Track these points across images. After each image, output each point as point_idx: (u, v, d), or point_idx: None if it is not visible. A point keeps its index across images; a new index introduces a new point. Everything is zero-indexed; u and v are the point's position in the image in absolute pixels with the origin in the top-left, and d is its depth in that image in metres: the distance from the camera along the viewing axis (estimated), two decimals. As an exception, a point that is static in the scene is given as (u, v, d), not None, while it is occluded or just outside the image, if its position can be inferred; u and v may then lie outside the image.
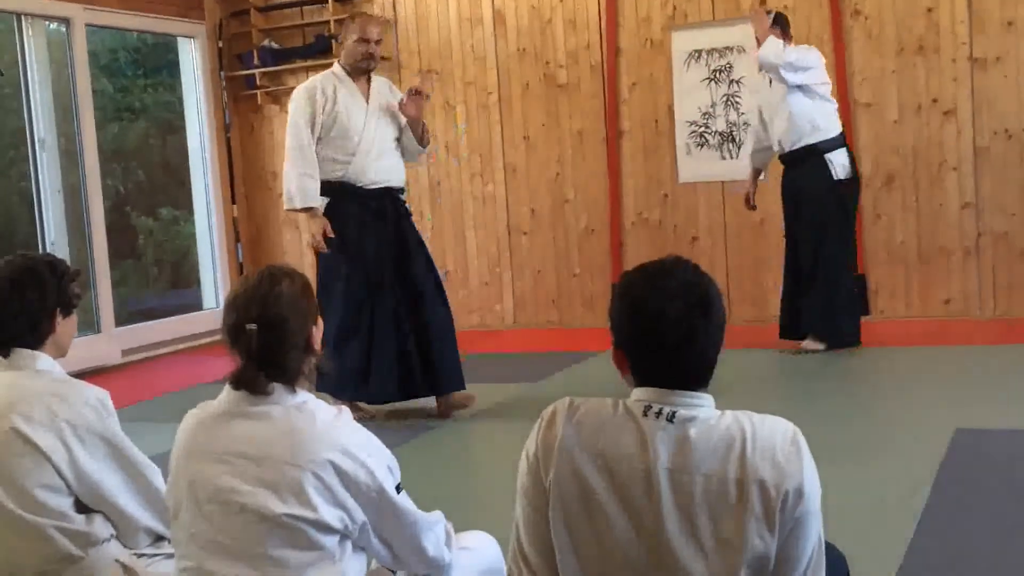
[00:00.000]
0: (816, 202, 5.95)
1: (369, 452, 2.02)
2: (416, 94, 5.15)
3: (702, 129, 7.29)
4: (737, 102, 7.18)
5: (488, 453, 4.49)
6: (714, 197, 7.30)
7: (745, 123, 7.18)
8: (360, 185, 5.11)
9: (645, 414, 1.79)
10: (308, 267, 8.31)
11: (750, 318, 7.19)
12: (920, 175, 6.82)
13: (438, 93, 7.83)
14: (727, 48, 7.16)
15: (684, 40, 7.28)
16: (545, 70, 7.66)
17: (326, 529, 1.96)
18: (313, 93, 5.09)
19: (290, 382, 2.05)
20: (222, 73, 8.43)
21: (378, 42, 5.19)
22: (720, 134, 7.24)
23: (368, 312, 5.08)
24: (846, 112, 6.87)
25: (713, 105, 7.25)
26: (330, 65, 8.01)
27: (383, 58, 7.91)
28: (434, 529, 2.14)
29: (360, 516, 2.00)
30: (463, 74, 7.83)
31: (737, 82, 7.17)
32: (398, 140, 5.27)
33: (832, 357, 5.87)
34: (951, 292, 6.79)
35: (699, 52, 7.25)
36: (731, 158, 7.24)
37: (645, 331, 1.79)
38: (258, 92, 8.39)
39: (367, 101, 5.16)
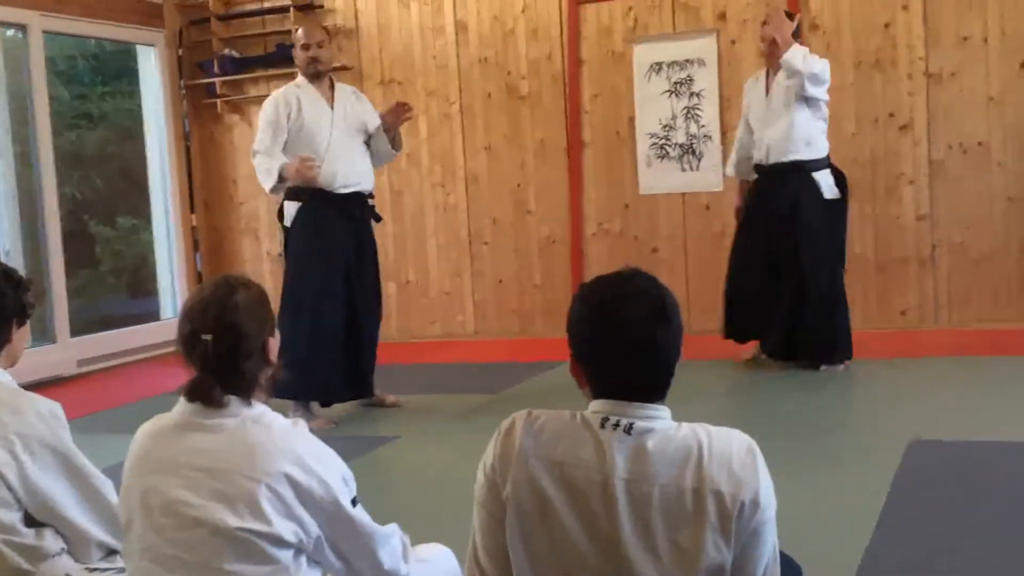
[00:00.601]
0: (810, 222, 5.71)
1: (324, 464, 2.01)
2: (402, 110, 5.33)
3: (663, 141, 7.33)
4: (698, 115, 7.23)
5: (446, 464, 4.48)
6: (675, 208, 7.34)
7: (706, 135, 7.23)
8: (330, 190, 5.21)
9: (603, 426, 1.80)
10: (267, 276, 8.28)
11: (710, 328, 7.20)
12: (877, 187, 6.89)
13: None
14: (688, 61, 7.21)
15: (645, 52, 7.32)
16: (507, 80, 7.68)
17: (281, 543, 1.94)
18: (278, 103, 5.26)
19: (246, 393, 2.03)
20: (182, 81, 8.38)
21: (320, 44, 5.31)
22: (680, 146, 7.28)
23: (333, 312, 5.21)
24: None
25: (674, 117, 7.30)
26: (293, 75, 8.02)
27: (343, 67, 7.94)
28: (390, 542, 2.12)
29: (315, 530, 1.99)
30: (425, 83, 7.83)
31: (697, 95, 7.22)
32: (366, 144, 5.38)
33: (790, 368, 5.92)
34: (907, 303, 6.86)
35: (660, 64, 7.30)
36: (691, 170, 7.28)
37: (605, 338, 1.80)
38: (218, 101, 8.35)
39: (331, 107, 5.29)
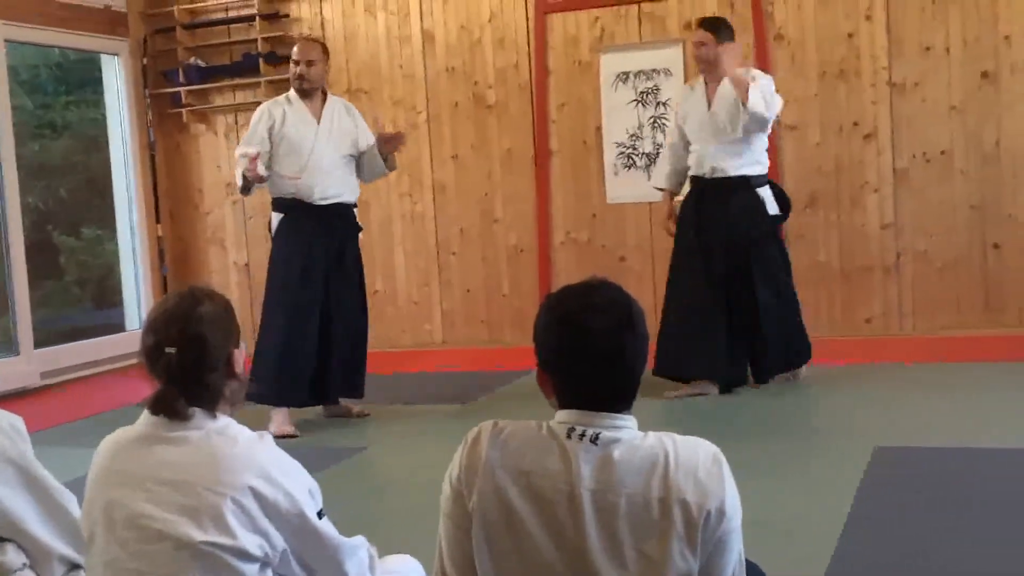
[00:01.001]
0: (760, 237, 5.61)
1: (290, 477, 1.99)
2: (396, 140, 5.45)
3: (630, 150, 7.35)
4: (664, 124, 7.25)
5: (413, 474, 4.47)
6: (642, 217, 7.37)
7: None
8: (310, 201, 5.32)
9: (569, 436, 1.80)
10: (234, 286, 8.24)
11: (677, 337, 7.24)
12: (842, 196, 6.95)
13: (366, 112, 7.80)
14: (654, 71, 7.24)
15: (612, 62, 7.35)
16: (474, 89, 7.68)
17: (245, 556, 1.93)
18: (262, 115, 5.39)
19: (211, 405, 2.02)
20: (147, 91, 8.32)
21: (309, 63, 5.37)
22: (647, 155, 7.31)
23: (310, 323, 5.29)
24: (770, 134, 6.97)
25: (640, 127, 7.32)
26: (257, 84, 8.06)
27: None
28: (357, 554, 2.11)
29: (280, 543, 1.97)
30: (391, 92, 7.82)
31: (664, 104, 7.25)
32: (352, 158, 5.46)
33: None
34: (873, 311, 6.92)
35: (627, 74, 7.33)
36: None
37: (572, 348, 1.81)
38: (184, 110, 8.30)
39: (319, 121, 5.38)
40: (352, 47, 7.95)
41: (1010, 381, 5.40)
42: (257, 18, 8.06)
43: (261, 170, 5.17)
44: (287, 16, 8.07)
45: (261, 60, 8.05)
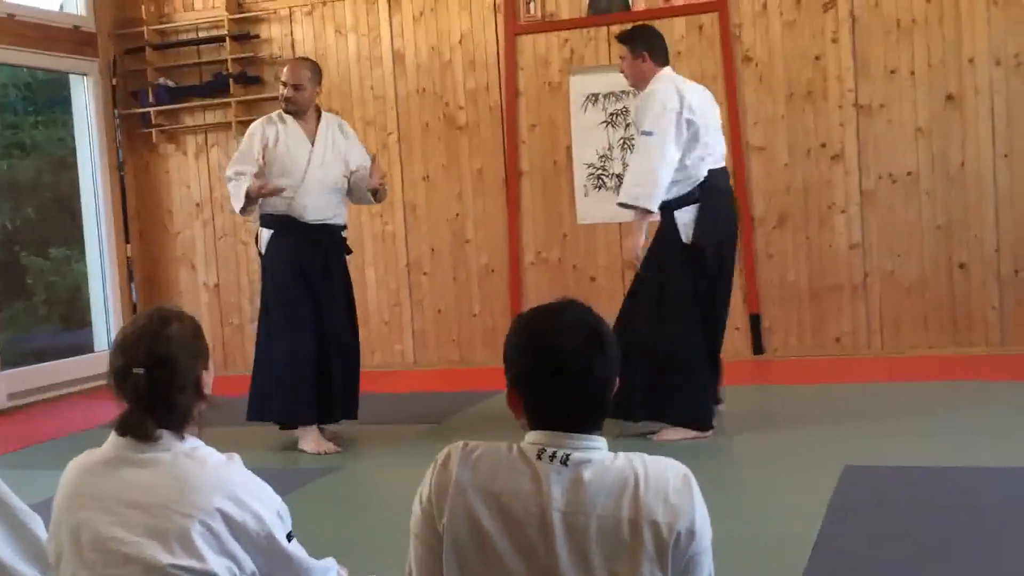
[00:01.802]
0: (663, 266, 5.05)
1: (259, 499, 1.99)
2: (376, 176, 5.37)
3: (600, 171, 7.38)
4: (634, 145, 7.28)
5: (384, 496, 4.45)
6: (612, 237, 7.39)
7: (642, 165, 7.27)
8: (302, 220, 5.28)
9: (540, 457, 1.80)
10: (204, 307, 8.20)
11: (648, 357, 7.26)
12: (810, 216, 7.00)
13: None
14: (624, 92, 7.28)
15: (582, 83, 7.39)
16: (445, 110, 7.70)
17: (214, 579, 1.92)
18: (255, 134, 5.31)
19: (179, 427, 2.01)
20: (116, 111, 8.29)
21: (296, 86, 5.29)
22: (618, 176, 7.33)
23: (308, 337, 5.25)
24: (739, 155, 7.03)
25: (610, 148, 7.36)
26: (228, 105, 8.05)
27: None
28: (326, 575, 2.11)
29: (249, 565, 1.96)
30: (363, 113, 7.82)
31: (633, 125, 7.27)
32: (346, 179, 5.42)
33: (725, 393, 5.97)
34: (841, 330, 6.97)
35: (596, 95, 7.37)
36: (628, 199, 7.32)
37: (542, 368, 1.81)
38: (153, 130, 8.27)
39: (312, 141, 5.33)
40: (323, 68, 7.90)
41: (977, 400, 5.45)
42: (227, 39, 8.05)
43: (280, 182, 5.17)
44: (257, 37, 8.07)
45: (231, 80, 8.04)
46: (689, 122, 4.90)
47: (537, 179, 7.55)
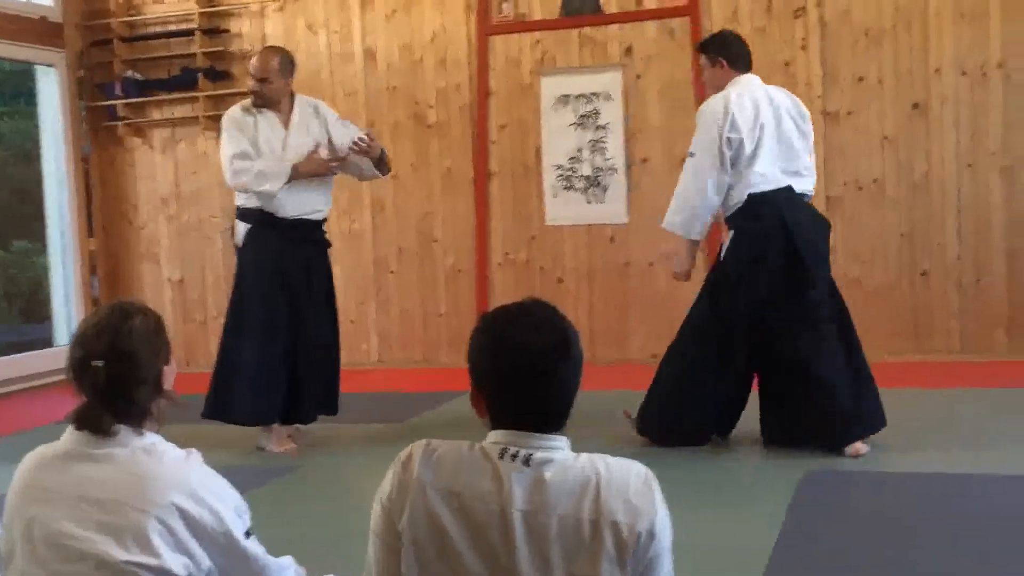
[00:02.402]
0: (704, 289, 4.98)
1: (217, 496, 1.97)
2: (361, 147, 5.22)
3: (569, 173, 7.39)
4: (603, 147, 7.31)
5: (345, 495, 4.43)
6: (580, 240, 7.41)
7: (611, 168, 7.31)
8: (279, 216, 5.17)
9: (501, 456, 1.80)
10: (167, 303, 8.14)
11: (613, 359, 7.29)
12: (777, 222, 7.03)
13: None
14: (594, 94, 7.30)
15: (553, 85, 7.40)
16: (415, 109, 7.68)
17: (169, 576, 1.90)
18: (236, 120, 5.19)
19: (137, 422, 1.99)
20: (82, 103, 8.21)
21: (263, 79, 5.15)
22: (586, 178, 7.36)
23: (280, 336, 5.16)
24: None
25: (580, 150, 7.37)
26: (196, 99, 7.99)
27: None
28: (284, 574, 2.09)
29: (206, 563, 1.94)
30: (332, 110, 7.77)
31: (603, 128, 7.30)
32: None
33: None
34: (805, 336, 7.00)
35: (567, 97, 7.38)
36: (597, 202, 7.35)
37: (506, 368, 1.81)
38: (120, 123, 8.20)
39: (285, 128, 5.22)
40: (293, 64, 7.90)
41: (938, 407, 5.50)
42: (197, 33, 8.00)
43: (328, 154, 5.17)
44: (228, 31, 8.02)
45: (200, 75, 7.99)
46: (729, 141, 4.62)
47: (506, 180, 7.54)
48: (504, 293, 7.42)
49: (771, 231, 4.64)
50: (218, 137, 8.00)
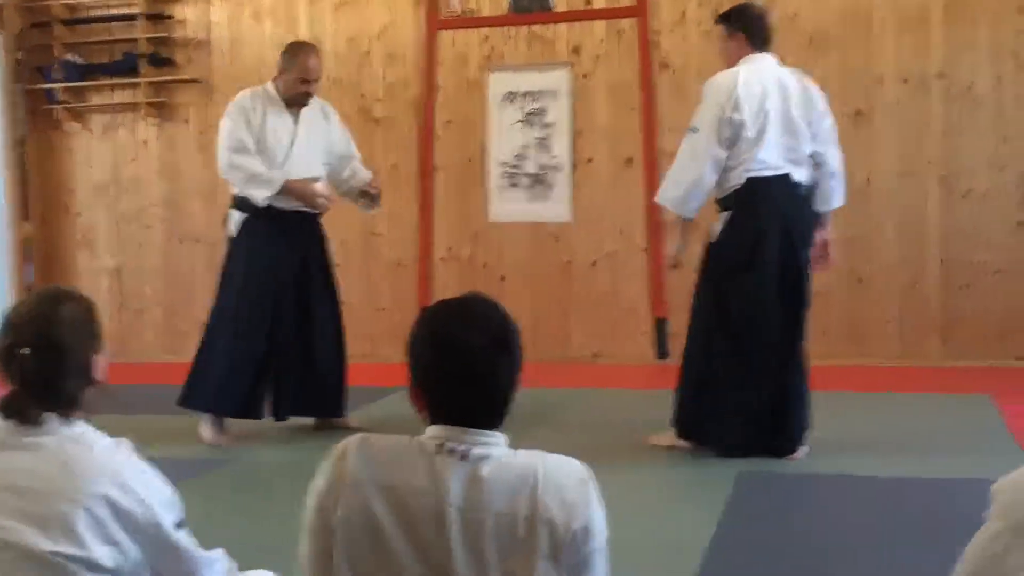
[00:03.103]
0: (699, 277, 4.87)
1: (148, 486, 1.94)
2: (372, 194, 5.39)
3: (514, 170, 7.38)
4: (549, 146, 7.31)
5: (280, 488, 4.39)
6: (523, 237, 7.41)
7: (556, 167, 7.31)
8: (277, 207, 5.10)
9: (439, 452, 1.79)
10: (103, 291, 8.01)
11: (555, 357, 7.30)
12: (719, 225, 7.09)
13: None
14: (541, 92, 7.30)
15: (500, 81, 7.38)
16: (361, 103, 7.63)
17: (97, 568, 1.86)
18: (244, 107, 5.11)
19: (66, 411, 1.95)
20: (20, 85, 8.05)
21: (316, 80, 5.18)
22: (531, 176, 7.35)
23: (266, 330, 5.11)
24: (653, 162, 7.08)
25: (526, 147, 7.36)
26: (137, 85, 7.87)
27: (194, 80, 7.78)
28: (214, 567, 2.06)
29: (135, 554, 1.91)
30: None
31: (550, 126, 7.30)
32: (327, 166, 5.30)
33: (626, 400, 6.03)
34: (745, 338, 7.07)
35: (514, 94, 7.36)
36: (541, 201, 7.35)
37: (445, 363, 1.80)
38: (58, 107, 8.05)
39: (295, 124, 5.17)
40: (237, 52, 7.83)
41: (873, 411, 5.58)
42: (140, 17, 7.88)
43: (326, 190, 5.18)
44: (171, 17, 7.91)
45: (143, 61, 7.87)
46: (731, 121, 4.49)
47: (451, 176, 7.52)
48: (446, 289, 7.38)
49: (769, 221, 4.54)
50: (159, 124, 7.96)
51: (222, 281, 5.24)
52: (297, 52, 5.22)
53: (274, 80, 5.25)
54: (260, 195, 5.05)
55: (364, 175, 5.44)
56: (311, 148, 5.20)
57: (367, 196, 5.39)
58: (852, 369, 6.75)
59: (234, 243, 5.22)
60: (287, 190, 5.07)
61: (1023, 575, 1.37)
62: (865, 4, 6.87)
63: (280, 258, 5.14)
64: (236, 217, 5.20)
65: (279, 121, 5.13)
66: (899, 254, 6.88)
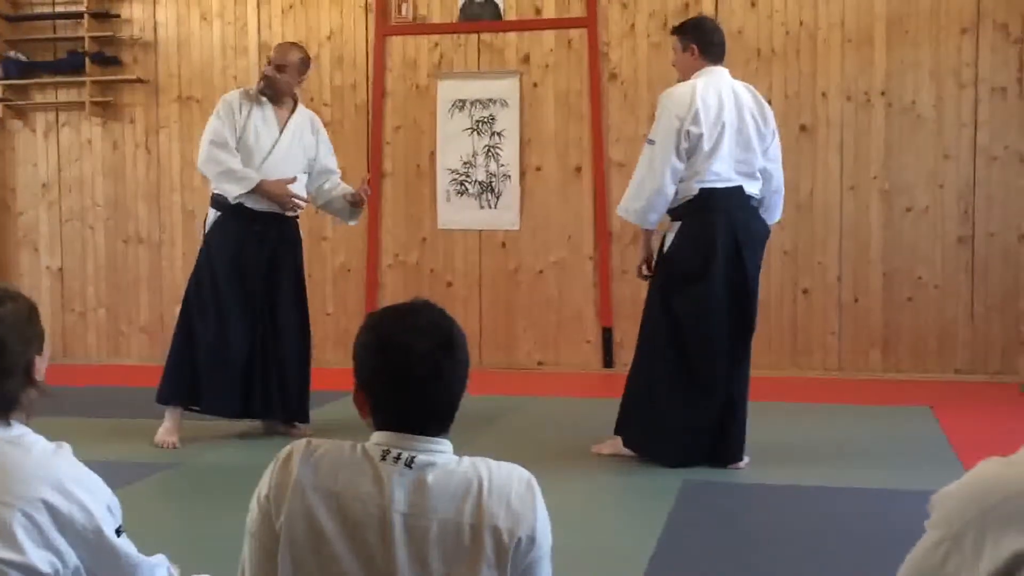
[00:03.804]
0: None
1: (88, 490, 1.90)
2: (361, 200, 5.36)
3: (463, 177, 7.39)
4: (498, 154, 7.33)
5: (222, 493, 4.35)
6: (471, 244, 7.41)
7: (505, 175, 7.33)
8: (249, 207, 5.10)
9: (383, 458, 1.78)
10: (45, 292, 7.88)
11: (501, 363, 7.31)
12: (666, 235, 7.14)
13: (196, 123, 7.67)
14: (491, 100, 7.32)
15: (449, 89, 7.39)
16: (309, 106, 7.53)
17: (34, 574, 1.82)
18: (232, 101, 5.12)
19: (4, 413, 1.91)
20: (-39, 81, 7.91)
21: (279, 67, 5.15)
22: (480, 183, 7.37)
23: (233, 328, 5.11)
24: (600, 171, 7.14)
25: (475, 155, 7.38)
26: (82, 84, 7.77)
27: (139, 80, 7.69)
28: (155, 573, 2.03)
29: (73, 560, 1.88)
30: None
31: (499, 134, 7.32)
32: (305, 174, 5.28)
33: (571, 407, 6.05)
34: (689, 348, 7.12)
35: (463, 102, 7.38)
36: (490, 208, 7.37)
37: (391, 367, 1.79)
38: (0, 105, 7.92)
39: (280, 130, 5.17)
40: (185, 53, 7.76)
41: (814, 422, 5.64)
42: (86, 16, 7.78)
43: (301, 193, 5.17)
44: (118, 16, 7.82)
45: (88, 59, 7.77)
46: (688, 133, 4.52)
47: (399, 181, 7.51)
48: (393, 294, 7.38)
49: (720, 232, 4.56)
50: (104, 124, 7.86)
51: (196, 276, 5.24)
52: (278, 46, 5.36)
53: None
54: (233, 191, 5.05)
55: (346, 188, 5.44)
56: (291, 155, 5.20)
57: (355, 204, 5.38)
58: (793, 380, 6.83)
59: (206, 240, 5.24)
60: (261, 190, 5.06)
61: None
62: (810, 22, 6.97)
63: (249, 257, 5.14)
64: (211, 215, 5.21)
65: (263, 123, 5.15)
66: (841, 267, 6.98)
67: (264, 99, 5.17)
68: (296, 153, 5.23)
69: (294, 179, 5.17)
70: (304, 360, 5.38)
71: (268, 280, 5.20)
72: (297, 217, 5.35)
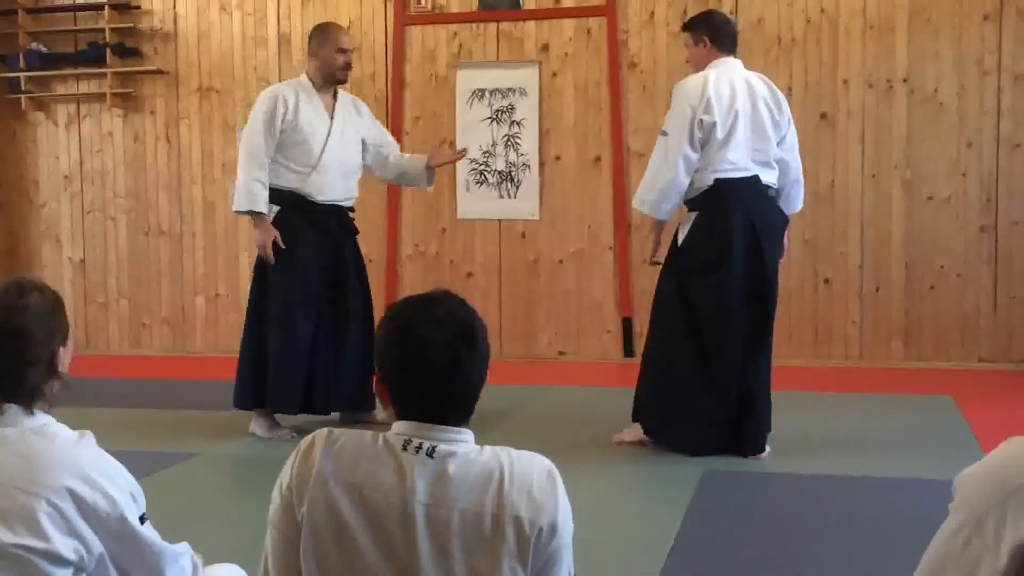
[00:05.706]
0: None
1: (111, 479, 1.92)
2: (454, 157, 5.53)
3: (482, 167, 7.39)
4: (518, 143, 7.32)
5: (244, 482, 4.37)
6: (491, 234, 7.41)
7: (524, 164, 7.32)
8: (312, 199, 5.09)
9: (404, 448, 1.78)
10: (67, 284, 7.93)
11: (521, 354, 7.31)
12: (685, 225, 7.12)
13: (216, 114, 7.70)
14: (510, 89, 7.31)
15: (468, 78, 7.38)
16: (329, 97, 7.59)
17: (59, 561, 1.84)
18: (275, 100, 5.04)
19: (28, 403, 1.93)
20: (-17, 74, 7.96)
21: (353, 50, 5.23)
22: (499, 173, 7.36)
23: (310, 325, 5.08)
24: (620, 161, 7.12)
25: (494, 144, 7.37)
26: (103, 75, 7.80)
27: (159, 72, 7.72)
28: (179, 561, 2.05)
29: (98, 547, 1.89)
30: (244, 95, 7.66)
31: (518, 124, 7.31)
32: (360, 158, 5.30)
33: (591, 397, 6.04)
34: (709, 338, 7.10)
35: (483, 91, 7.37)
36: (509, 197, 7.37)
37: (411, 357, 1.79)
38: (23, 97, 7.96)
39: (331, 117, 5.14)
40: (205, 45, 7.78)
41: (835, 411, 5.63)
42: (106, 7, 7.81)
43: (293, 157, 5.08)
44: (138, 7, 7.85)
45: (108, 51, 7.80)
46: (702, 123, 4.51)
47: (419, 172, 7.50)
48: (413, 285, 7.39)
49: (737, 222, 4.55)
50: (125, 116, 7.90)
51: (256, 276, 5.19)
52: (327, 29, 5.23)
53: (307, 69, 5.22)
54: (234, 206, 5.08)
55: (413, 156, 5.49)
56: (347, 140, 5.19)
57: (432, 169, 5.43)
58: (814, 369, 6.80)
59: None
60: (253, 222, 5.06)
61: (984, 565, 1.40)
62: (831, 10, 6.92)
63: (310, 248, 5.09)
64: (272, 209, 5.10)
65: (315, 114, 5.10)
66: (863, 257, 6.94)
67: (310, 88, 5.11)
68: (350, 136, 5.21)
69: (357, 170, 5.27)
70: (369, 349, 5.35)
71: (333, 271, 5.16)
72: (353, 209, 5.34)
